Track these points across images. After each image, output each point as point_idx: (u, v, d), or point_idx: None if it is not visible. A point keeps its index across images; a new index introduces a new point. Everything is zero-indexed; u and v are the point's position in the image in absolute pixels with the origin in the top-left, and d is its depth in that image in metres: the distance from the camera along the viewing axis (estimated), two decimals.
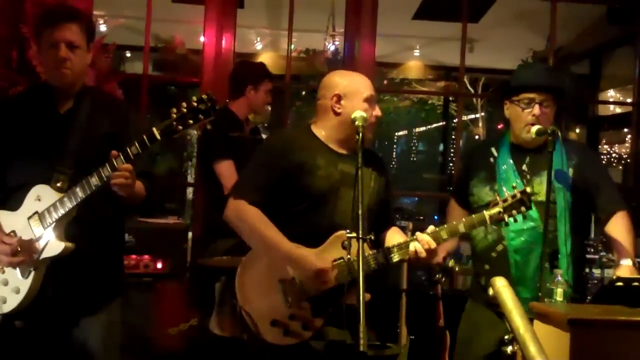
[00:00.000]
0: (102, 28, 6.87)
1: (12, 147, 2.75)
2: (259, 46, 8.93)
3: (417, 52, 9.32)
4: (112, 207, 2.75)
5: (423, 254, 2.72)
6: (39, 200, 2.65)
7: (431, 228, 2.80)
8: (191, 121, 2.44)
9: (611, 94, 8.68)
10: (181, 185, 9.42)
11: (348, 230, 2.39)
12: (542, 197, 3.09)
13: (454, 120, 7.17)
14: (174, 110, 2.46)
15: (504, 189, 2.91)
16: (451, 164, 7.90)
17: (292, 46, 5.55)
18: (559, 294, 3.00)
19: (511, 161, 3.29)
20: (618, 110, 8.57)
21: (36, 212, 2.65)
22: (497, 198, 2.86)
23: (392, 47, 8.67)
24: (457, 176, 3.56)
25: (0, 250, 2.63)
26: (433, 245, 2.74)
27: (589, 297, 3.75)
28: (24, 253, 2.62)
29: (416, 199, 10.42)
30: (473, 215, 2.86)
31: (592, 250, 5.01)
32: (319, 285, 2.68)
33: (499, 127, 10.70)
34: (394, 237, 2.88)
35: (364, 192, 2.45)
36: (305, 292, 2.71)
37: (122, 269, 3.05)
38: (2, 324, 2.72)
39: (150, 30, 5.19)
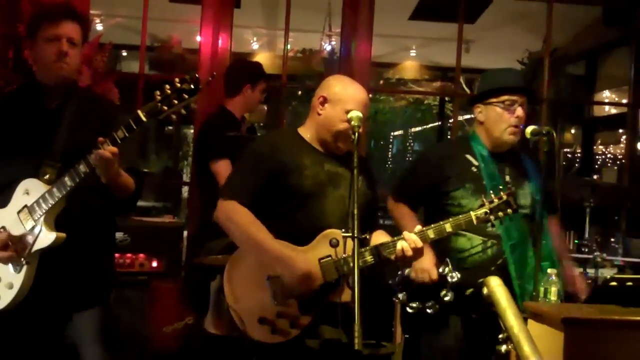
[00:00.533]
0: (99, 27, 6.86)
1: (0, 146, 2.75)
2: (255, 46, 8.93)
3: (413, 52, 9.33)
4: (101, 200, 2.74)
5: (409, 253, 2.73)
6: (28, 193, 2.65)
7: (418, 227, 2.81)
8: (176, 101, 2.44)
9: (606, 94, 8.70)
10: (176, 184, 9.42)
11: (343, 230, 2.41)
12: (527, 210, 3.20)
13: (450, 121, 7.19)
14: (158, 92, 2.46)
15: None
16: None
17: (289, 46, 5.56)
18: (553, 293, 3.02)
19: (497, 173, 3.24)
20: (613, 111, 8.60)
21: (25, 206, 2.65)
22: (484, 199, 2.90)
23: (388, 47, 8.68)
24: (416, 180, 3.38)
25: None
26: (419, 244, 2.75)
27: None
28: (14, 247, 2.62)
29: None
30: (460, 216, 2.87)
31: (587, 250, 5.03)
32: (304, 288, 2.69)
33: None
34: (379, 238, 2.89)
35: (352, 195, 2.47)
36: (293, 290, 2.73)
37: (113, 263, 3.05)
38: None
39: (146, 29, 5.20)
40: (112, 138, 2.49)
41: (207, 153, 4.22)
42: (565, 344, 2.54)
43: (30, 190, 2.65)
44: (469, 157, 3.27)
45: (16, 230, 2.65)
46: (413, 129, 11.42)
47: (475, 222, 2.86)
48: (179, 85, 2.44)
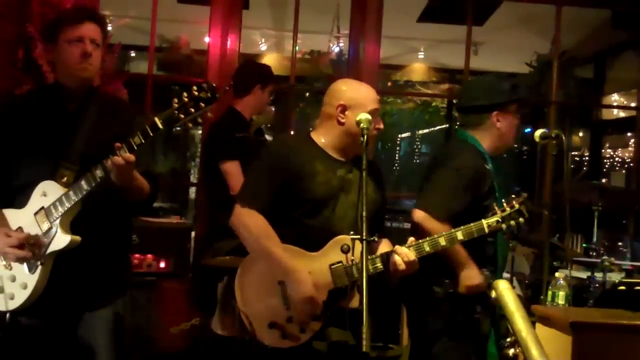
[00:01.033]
0: (108, 28, 6.88)
1: (19, 147, 2.76)
2: (263, 47, 8.94)
3: (421, 55, 9.32)
4: (116, 203, 2.76)
5: (402, 267, 2.72)
6: (45, 195, 2.66)
7: (411, 240, 2.79)
8: (192, 109, 2.43)
9: (615, 97, 8.68)
10: (184, 185, 9.42)
11: (352, 232, 2.41)
12: None
13: (457, 123, 7.23)
14: (175, 99, 2.46)
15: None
16: None
17: (297, 47, 5.56)
18: (561, 297, 3.01)
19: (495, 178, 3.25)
20: (622, 114, 8.57)
21: (42, 208, 2.66)
22: (495, 207, 2.88)
23: (396, 49, 8.68)
24: (462, 200, 3.14)
25: (7, 243, 2.64)
26: (412, 257, 2.73)
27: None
28: (30, 247, 2.63)
29: None
30: (471, 224, 2.83)
31: (594, 254, 5.02)
32: (306, 310, 2.70)
33: None
34: (383, 248, 2.88)
35: (361, 197, 2.47)
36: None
37: (128, 265, 3.06)
38: (9, 321, 2.72)
39: (155, 30, 5.21)
40: (129, 144, 2.50)
41: (216, 154, 4.22)
42: (573, 348, 2.55)
43: (47, 192, 2.66)
44: (487, 166, 3.23)
45: (32, 232, 2.66)
46: (420, 131, 11.40)
47: (487, 230, 2.83)
48: (196, 93, 2.44)
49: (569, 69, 8.04)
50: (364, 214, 2.40)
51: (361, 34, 5.29)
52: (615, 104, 8.62)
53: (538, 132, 3.28)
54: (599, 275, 4.65)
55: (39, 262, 2.64)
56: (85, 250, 2.66)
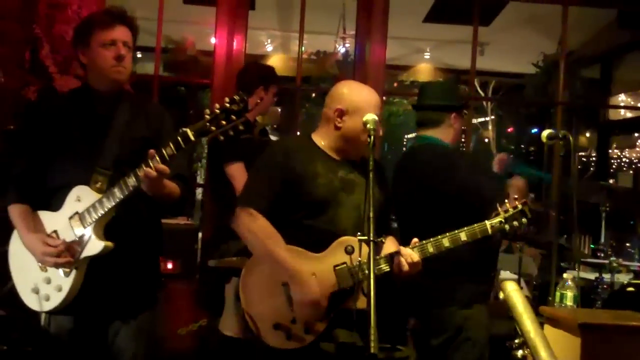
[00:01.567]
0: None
1: (53, 149, 2.80)
2: (269, 48, 8.95)
3: (427, 55, 9.31)
4: (148, 209, 2.79)
5: (405, 268, 2.72)
6: (79, 200, 2.71)
7: (414, 241, 2.79)
8: (224, 122, 2.46)
9: (622, 98, 8.66)
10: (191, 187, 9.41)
11: (359, 233, 2.40)
12: None
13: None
14: (208, 111, 2.49)
15: None
16: None
17: (303, 48, 5.56)
18: (570, 298, 3.00)
19: None
20: (629, 114, 8.56)
21: (76, 213, 2.71)
22: (499, 208, 2.87)
23: (402, 49, 8.67)
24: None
25: (46, 252, 2.69)
26: (416, 258, 2.74)
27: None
28: (66, 253, 2.68)
29: None
30: (474, 225, 2.83)
31: (602, 255, 5.00)
32: (310, 313, 2.69)
33: (509, 130, 10.70)
34: (389, 246, 2.88)
35: (368, 198, 2.46)
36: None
37: (158, 273, 3.09)
38: (46, 323, 2.82)
39: (161, 31, 5.21)
40: (161, 155, 2.53)
41: (221, 156, 4.22)
42: (582, 350, 2.53)
43: (81, 198, 2.71)
44: None
45: (67, 235, 2.72)
46: None
47: (490, 231, 2.83)
48: (227, 105, 2.46)
49: (576, 70, 8.02)
50: (371, 214, 2.39)
51: (367, 34, 5.28)
52: (622, 104, 8.60)
53: (545, 133, 3.27)
54: (607, 276, 4.64)
55: (73, 266, 2.70)
56: (119, 255, 2.71)
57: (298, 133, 5.71)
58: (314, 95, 9.39)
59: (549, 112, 8.58)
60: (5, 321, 3.76)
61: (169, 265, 4.62)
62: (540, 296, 4.68)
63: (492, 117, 10.25)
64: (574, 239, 4.86)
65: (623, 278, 4.81)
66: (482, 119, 10.35)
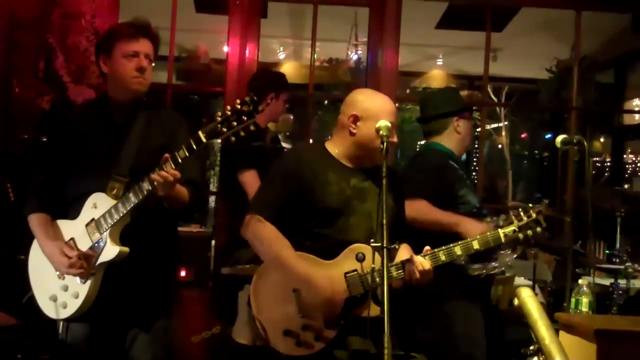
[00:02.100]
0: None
1: (72, 159, 2.85)
2: (282, 56, 8.97)
3: (440, 61, 9.31)
4: (164, 216, 2.82)
5: (416, 276, 2.73)
6: (96, 207, 2.75)
7: (426, 249, 2.80)
8: (235, 123, 2.49)
9: (636, 103, 8.61)
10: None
11: (372, 240, 2.40)
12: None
13: (477, 129, 7.18)
14: (219, 113, 2.52)
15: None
16: (474, 173, 7.89)
17: (315, 55, 5.56)
18: (585, 304, 2.98)
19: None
20: None
21: (93, 219, 2.75)
22: (512, 217, 2.85)
23: (415, 56, 8.67)
24: (440, 186, 3.49)
25: (62, 262, 2.74)
26: (427, 266, 2.74)
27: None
28: (82, 261, 2.72)
29: None
30: (487, 233, 2.85)
31: (617, 260, 4.96)
32: (327, 309, 2.70)
33: (523, 136, 10.66)
34: (403, 253, 2.88)
35: (380, 205, 2.46)
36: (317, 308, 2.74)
37: (175, 281, 3.14)
38: (64, 330, 2.86)
39: (174, 40, 5.23)
40: (174, 158, 2.56)
41: (234, 164, 4.23)
42: (598, 356, 2.51)
43: (98, 204, 2.75)
44: (451, 162, 3.58)
45: (83, 242, 2.76)
46: None
47: (503, 239, 2.83)
48: (238, 107, 2.49)
49: (590, 75, 7.99)
50: (384, 221, 2.39)
51: (379, 41, 5.28)
52: (636, 109, 8.56)
53: (559, 138, 3.26)
54: (622, 282, 4.61)
55: (90, 273, 2.73)
56: (135, 263, 2.75)
57: (310, 140, 5.71)
58: (326, 102, 9.41)
59: (563, 117, 8.54)
60: (21, 330, 3.78)
61: (183, 273, 4.63)
62: (555, 302, 4.65)
63: (506, 123, 10.22)
64: (588, 244, 4.82)
65: (639, 284, 4.78)
66: (496, 125, 10.31)
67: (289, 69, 8.59)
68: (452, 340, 3.33)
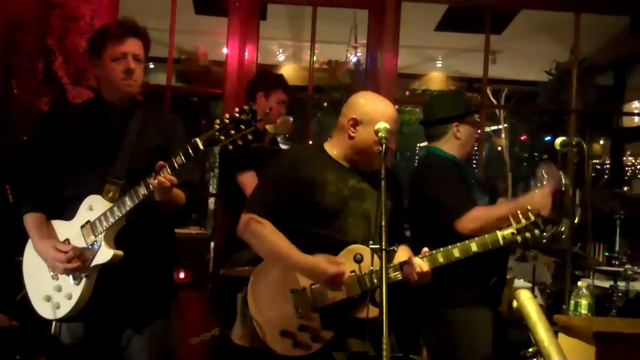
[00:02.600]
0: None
1: (68, 160, 2.85)
2: (281, 57, 8.97)
3: (439, 64, 9.31)
4: (161, 218, 2.81)
5: (414, 277, 2.72)
6: (91, 209, 2.75)
7: (424, 250, 2.79)
8: (233, 131, 2.48)
9: (636, 105, 8.62)
10: (203, 195, 9.44)
11: (371, 242, 2.39)
12: None
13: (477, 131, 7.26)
14: (217, 121, 2.51)
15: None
16: None
17: (315, 57, 5.56)
18: (584, 306, 2.98)
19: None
20: None
21: (88, 221, 2.76)
22: (511, 219, 2.85)
23: (414, 58, 8.67)
24: (463, 189, 3.40)
25: (56, 258, 2.74)
26: (425, 268, 2.73)
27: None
28: (76, 259, 2.72)
29: None
30: (486, 236, 2.83)
31: (617, 262, 4.97)
32: (334, 290, 2.69)
33: (522, 138, 10.66)
34: (402, 254, 2.87)
35: (379, 207, 2.46)
36: (317, 304, 2.73)
37: (172, 282, 3.11)
38: (56, 331, 2.85)
39: (173, 41, 5.23)
40: (171, 164, 2.56)
41: (232, 165, 4.23)
42: (597, 359, 2.51)
43: (93, 207, 2.75)
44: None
45: (78, 244, 2.76)
46: None
47: (501, 242, 2.81)
48: (237, 115, 2.49)
49: (589, 77, 7.99)
50: (383, 223, 2.38)
51: (379, 43, 5.28)
52: (636, 111, 8.56)
53: (558, 140, 3.26)
54: (621, 284, 4.61)
55: (83, 274, 2.74)
56: (130, 264, 2.74)
57: (310, 142, 5.70)
58: (325, 104, 9.41)
59: (562, 119, 8.55)
60: (17, 332, 3.78)
61: (182, 275, 4.63)
62: (554, 304, 4.66)
63: (505, 125, 10.22)
64: (588, 246, 4.83)
65: (638, 286, 4.78)
66: (495, 127, 10.31)
67: (288, 71, 8.60)
68: (455, 349, 3.28)
